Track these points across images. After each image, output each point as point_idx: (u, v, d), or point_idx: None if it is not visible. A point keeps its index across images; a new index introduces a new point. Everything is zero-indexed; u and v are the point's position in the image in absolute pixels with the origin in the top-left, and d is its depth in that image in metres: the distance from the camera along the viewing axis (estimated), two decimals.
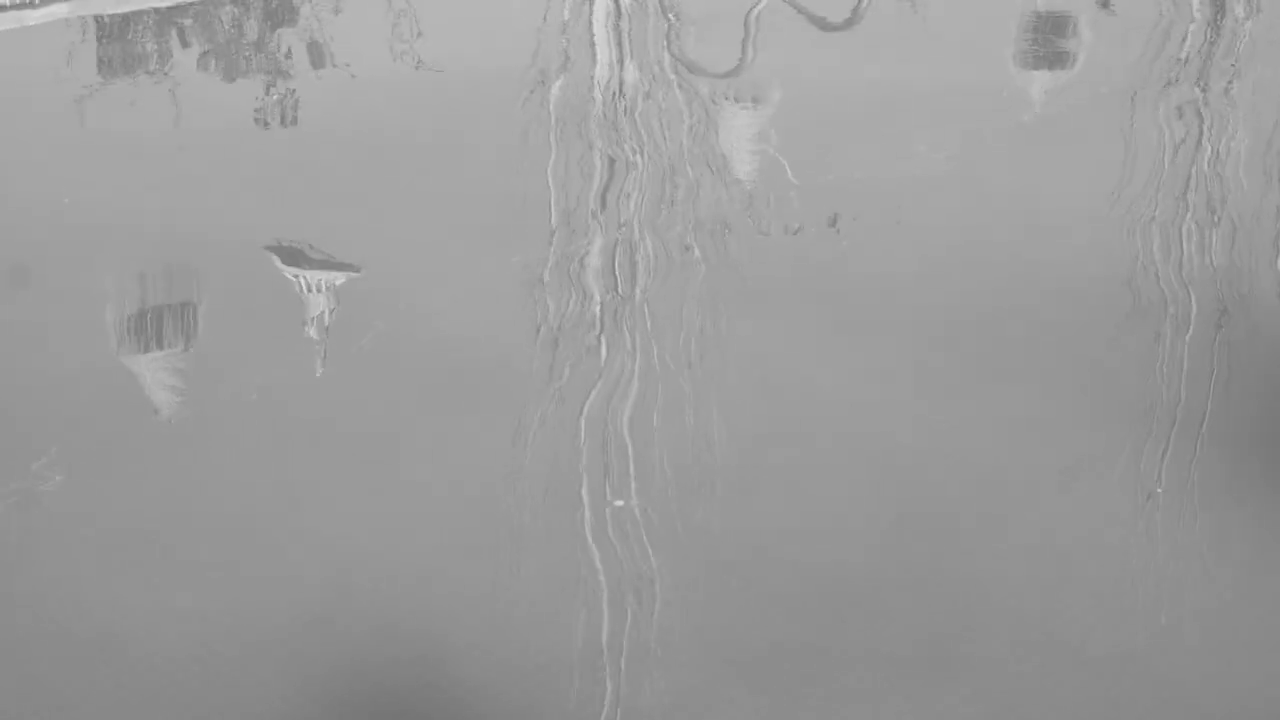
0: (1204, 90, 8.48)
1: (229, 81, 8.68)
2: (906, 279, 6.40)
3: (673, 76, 8.55)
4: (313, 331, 5.96)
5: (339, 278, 6.38)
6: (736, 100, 8.26)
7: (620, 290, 6.26)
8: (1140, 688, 4.33)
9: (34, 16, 9.09)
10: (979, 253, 6.63)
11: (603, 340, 5.92)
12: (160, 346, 5.95)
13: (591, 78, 8.51)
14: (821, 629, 4.51)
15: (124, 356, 5.91)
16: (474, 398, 5.57)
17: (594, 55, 8.79)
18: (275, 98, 8.28)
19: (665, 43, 9.13)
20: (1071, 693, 4.31)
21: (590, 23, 9.27)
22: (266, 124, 8.00)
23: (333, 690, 4.31)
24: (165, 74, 8.75)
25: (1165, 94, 8.44)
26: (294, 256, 6.57)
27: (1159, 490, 5.17)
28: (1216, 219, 6.94)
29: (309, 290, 6.23)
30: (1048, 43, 9.36)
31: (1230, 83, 8.64)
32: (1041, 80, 8.81)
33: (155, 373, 5.76)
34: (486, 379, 5.68)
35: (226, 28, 9.35)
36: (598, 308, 6.11)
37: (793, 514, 4.99)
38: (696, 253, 6.55)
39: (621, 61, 8.73)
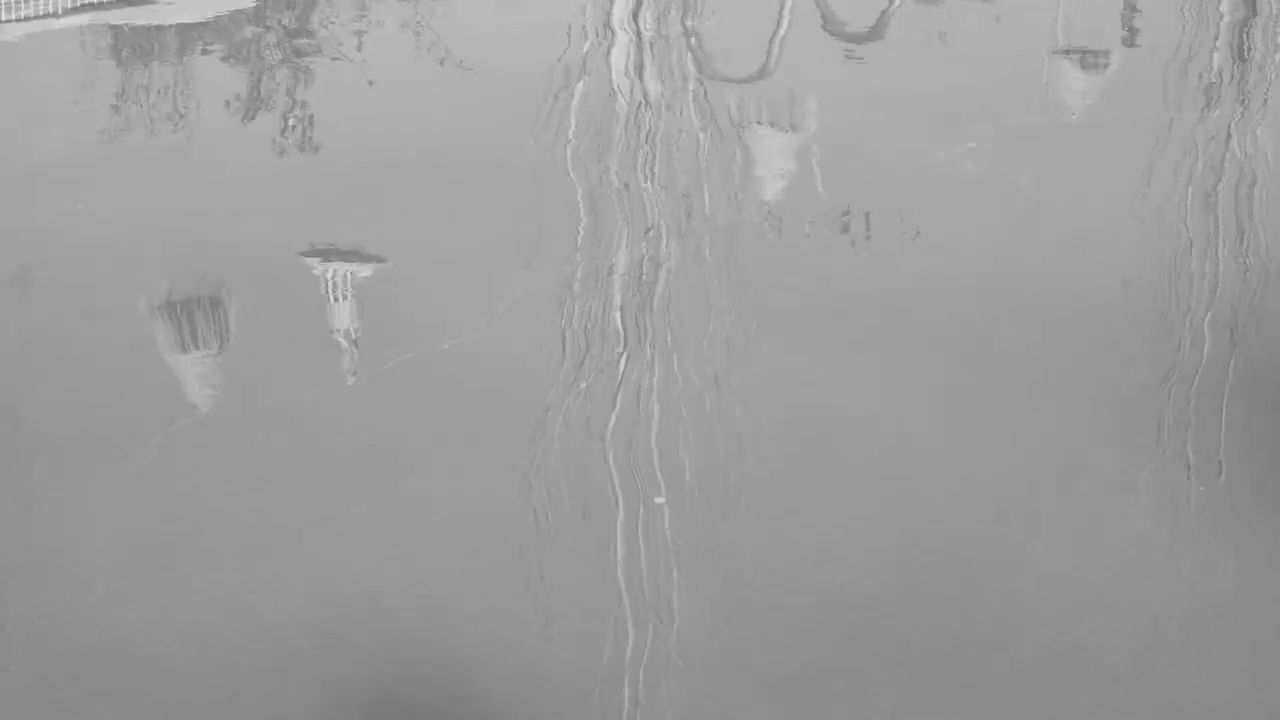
0: (1242, 107, 8.51)
1: (250, 110, 8.71)
2: (929, 294, 6.37)
3: (693, 101, 8.56)
4: (340, 339, 5.93)
5: (366, 269, 6.36)
6: (772, 124, 8.23)
7: (643, 310, 6.22)
8: (1162, 705, 4.27)
9: (57, 25, 9.15)
10: (1002, 268, 6.60)
11: (625, 359, 5.87)
12: (196, 347, 5.94)
13: (612, 95, 8.53)
14: (842, 648, 4.46)
15: (163, 353, 5.89)
16: (498, 412, 5.53)
17: (613, 81, 8.81)
18: (292, 123, 8.28)
19: (688, 55, 9.16)
20: (1094, 711, 4.25)
21: (610, 53, 9.30)
22: (283, 151, 7.99)
23: (351, 703, 4.25)
24: (184, 84, 8.77)
25: (1194, 106, 8.46)
26: (321, 252, 6.57)
27: (1201, 489, 5.15)
28: (1245, 241, 6.92)
29: (335, 300, 6.20)
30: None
31: (1265, 100, 8.66)
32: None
33: (192, 375, 5.74)
34: (511, 394, 5.63)
35: (247, 42, 9.39)
36: (619, 326, 6.08)
37: (814, 533, 4.93)
38: (716, 270, 6.52)
39: (644, 87, 8.75)
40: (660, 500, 5.05)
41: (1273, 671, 4.38)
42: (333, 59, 9.10)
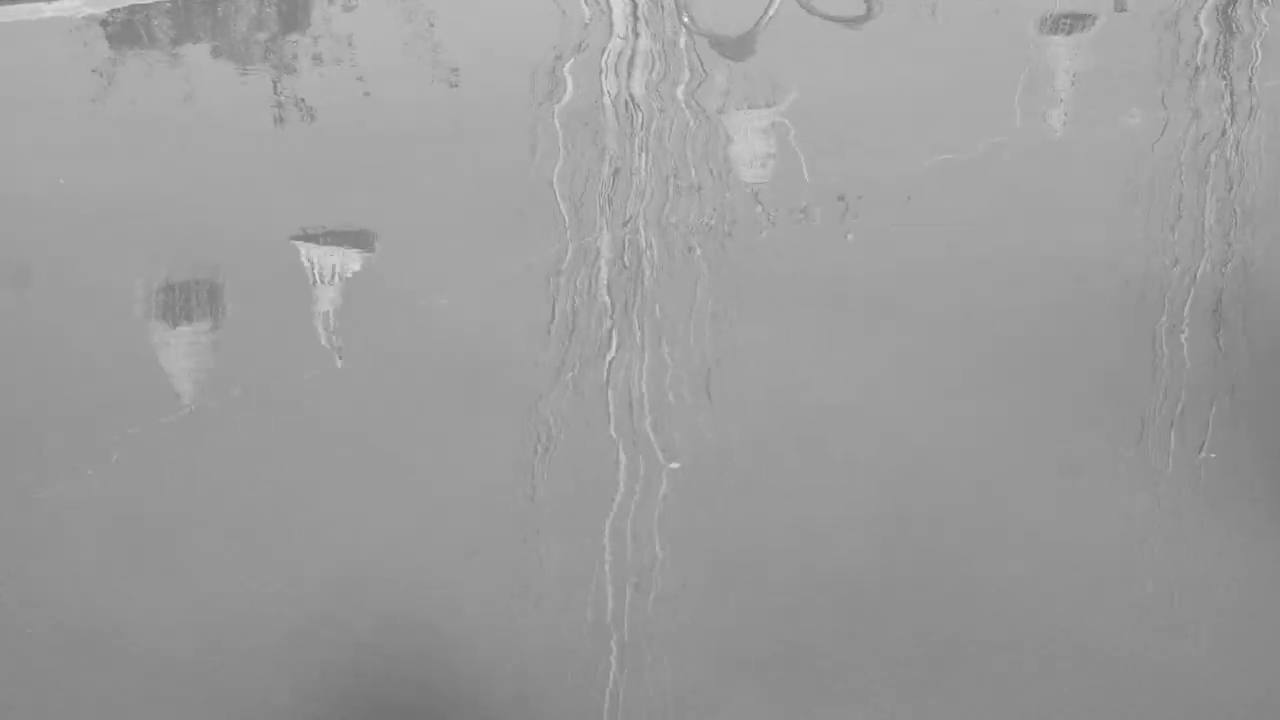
0: (1228, 84, 8.49)
1: (240, 74, 8.69)
2: (914, 278, 6.37)
3: (684, 90, 8.56)
4: (320, 325, 5.94)
5: (353, 256, 6.36)
6: (750, 107, 8.23)
7: (628, 290, 6.22)
8: (1152, 689, 4.30)
9: (49, 10, 9.13)
10: (989, 251, 6.60)
11: (613, 341, 5.89)
12: (189, 321, 5.94)
13: (599, 79, 8.52)
14: (828, 630, 4.48)
15: (153, 332, 5.89)
16: (482, 395, 5.54)
17: (603, 69, 8.80)
18: (284, 97, 8.27)
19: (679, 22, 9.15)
20: (1084, 694, 4.27)
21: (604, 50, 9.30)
22: (281, 119, 7.98)
23: (336, 683, 4.28)
24: (172, 64, 8.75)
25: (1184, 88, 8.45)
26: (309, 237, 6.59)
27: (1212, 455, 5.18)
28: (1234, 215, 6.92)
29: (319, 283, 6.20)
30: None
31: (1251, 78, 8.65)
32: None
33: (178, 359, 5.74)
34: (496, 376, 5.65)
35: (239, 23, 9.37)
36: (606, 306, 6.08)
37: (800, 514, 4.95)
38: (700, 253, 6.51)
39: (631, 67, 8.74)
40: (675, 465, 5.07)
41: (1272, 667, 4.40)
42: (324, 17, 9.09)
